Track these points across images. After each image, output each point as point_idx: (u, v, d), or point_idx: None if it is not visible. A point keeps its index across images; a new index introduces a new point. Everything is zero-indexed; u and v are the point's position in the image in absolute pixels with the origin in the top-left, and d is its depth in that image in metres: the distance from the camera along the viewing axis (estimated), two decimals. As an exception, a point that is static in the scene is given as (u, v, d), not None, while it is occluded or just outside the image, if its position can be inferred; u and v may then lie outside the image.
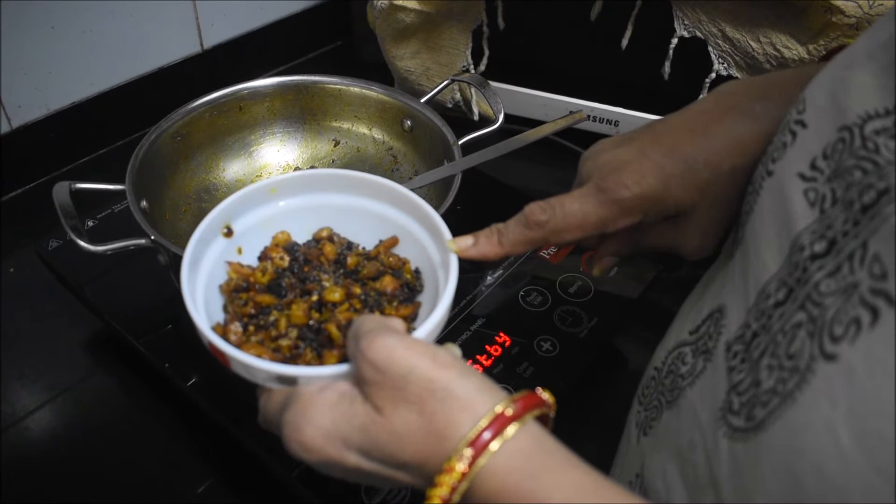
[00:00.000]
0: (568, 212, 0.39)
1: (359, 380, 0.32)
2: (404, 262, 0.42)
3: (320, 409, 0.32)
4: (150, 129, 0.60)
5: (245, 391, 0.54)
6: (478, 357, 0.54)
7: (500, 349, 0.55)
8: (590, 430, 0.53)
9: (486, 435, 0.29)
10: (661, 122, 0.41)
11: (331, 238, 0.43)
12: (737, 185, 0.39)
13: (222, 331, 0.37)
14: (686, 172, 0.38)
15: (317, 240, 0.43)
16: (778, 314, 0.30)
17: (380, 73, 0.83)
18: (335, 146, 0.70)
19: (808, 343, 0.27)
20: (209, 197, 0.65)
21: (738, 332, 0.33)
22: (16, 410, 0.56)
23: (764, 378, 0.29)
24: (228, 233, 0.41)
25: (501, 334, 0.56)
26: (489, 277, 0.61)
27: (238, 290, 0.40)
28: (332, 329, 0.37)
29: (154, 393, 0.57)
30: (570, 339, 0.56)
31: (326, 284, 0.40)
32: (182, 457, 0.54)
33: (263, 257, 0.42)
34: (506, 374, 0.53)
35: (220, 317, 0.39)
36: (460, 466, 0.29)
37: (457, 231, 0.41)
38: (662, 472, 0.36)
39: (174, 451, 0.55)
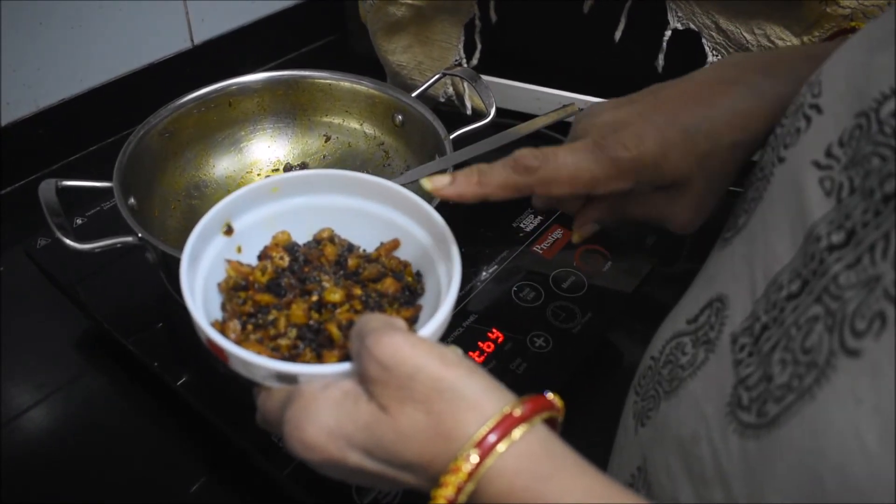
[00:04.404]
0: (561, 163, 0.38)
1: (363, 378, 0.31)
2: (406, 265, 0.42)
3: (323, 407, 0.31)
4: (138, 125, 0.59)
5: (236, 390, 0.54)
6: (470, 354, 0.53)
7: (492, 345, 0.54)
8: (585, 425, 0.53)
9: (494, 436, 0.28)
10: (662, 89, 0.41)
11: (332, 239, 0.43)
12: (735, 161, 0.38)
13: (221, 328, 0.37)
14: (686, 141, 0.38)
15: (317, 241, 0.43)
16: (791, 307, 0.29)
17: (373, 67, 0.82)
18: (326, 141, 0.70)
19: (826, 337, 0.26)
20: (199, 194, 0.65)
21: (745, 324, 0.32)
22: (8, 410, 0.56)
23: (776, 373, 0.28)
24: (228, 231, 0.41)
25: (494, 330, 0.55)
26: (483, 273, 0.60)
27: (237, 288, 0.39)
28: (333, 329, 0.37)
29: (145, 392, 0.57)
30: (564, 335, 0.56)
31: (326, 285, 0.39)
32: (174, 456, 0.54)
33: (263, 256, 0.41)
34: (499, 371, 0.52)
35: (218, 315, 0.39)
36: (467, 467, 0.28)
37: (451, 227, 0.40)
38: (666, 467, 0.36)
39: (166, 450, 0.54)
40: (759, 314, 0.31)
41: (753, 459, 0.28)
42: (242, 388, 0.53)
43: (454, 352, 0.32)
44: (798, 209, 0.30)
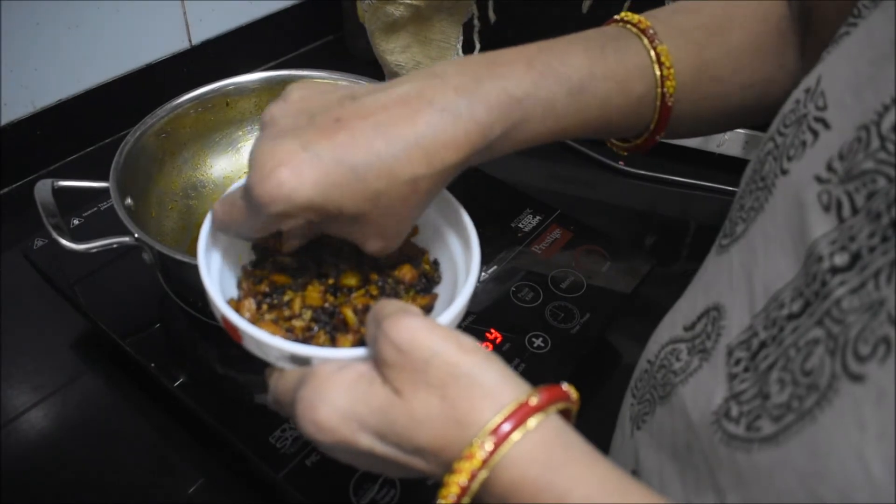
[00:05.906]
0: (234, 217, 0.35)
1: (379, 362, 0.31)
2: (423, 253, 0.42)
3: (338, 388, 0.31)
4: (135, 126, 0.59)
5: (233, 391, 0.54)
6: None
7: (491, 346, 0.54)
8: (582, 426, 0.53)
9: (509, 424, 0.28)
10: (348, 103, 0.34)
11: None
12: (417, 194, 0.34)
13: (236, 307, 0.37)
14: (354, 182, 0.32)
15: None
16: (791, 327, 0.28)
17: (371, 67, 0.82)
18: (324, 142, 0.69)
19: (827, 361, 0.25)
20: (196, 194, 0.64)
21: (742, 337, 0.32)
22: (6, 412, 0.56)
23: (774, 392, 0.28)
24: None
25: (492, 331, 0.55)
26: (482, 273, 0.60)
27: (255, 254, 0.40)
28: (348, 312, 0.36)
29: (143, 393, 0.57)
30: (562, 335, 0.55)
31: (343, 269, 0.39)
32: (172, 457, 0.54)
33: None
34: (497, 371, 0.52)
35: (233, 294, 0.39)
36: (481, 454, 0.28)
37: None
38: (659, 471, 0.35)
39: (164, 452, 0.54)
40: (757, 329, 0.31)
41: (746, 472, 0.28)
42: (240, 390, 0.53)
43: (472, 339, 0.31)
44: (800, 225, 0.30)
